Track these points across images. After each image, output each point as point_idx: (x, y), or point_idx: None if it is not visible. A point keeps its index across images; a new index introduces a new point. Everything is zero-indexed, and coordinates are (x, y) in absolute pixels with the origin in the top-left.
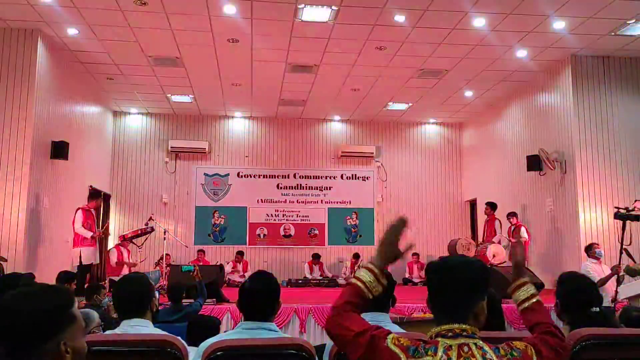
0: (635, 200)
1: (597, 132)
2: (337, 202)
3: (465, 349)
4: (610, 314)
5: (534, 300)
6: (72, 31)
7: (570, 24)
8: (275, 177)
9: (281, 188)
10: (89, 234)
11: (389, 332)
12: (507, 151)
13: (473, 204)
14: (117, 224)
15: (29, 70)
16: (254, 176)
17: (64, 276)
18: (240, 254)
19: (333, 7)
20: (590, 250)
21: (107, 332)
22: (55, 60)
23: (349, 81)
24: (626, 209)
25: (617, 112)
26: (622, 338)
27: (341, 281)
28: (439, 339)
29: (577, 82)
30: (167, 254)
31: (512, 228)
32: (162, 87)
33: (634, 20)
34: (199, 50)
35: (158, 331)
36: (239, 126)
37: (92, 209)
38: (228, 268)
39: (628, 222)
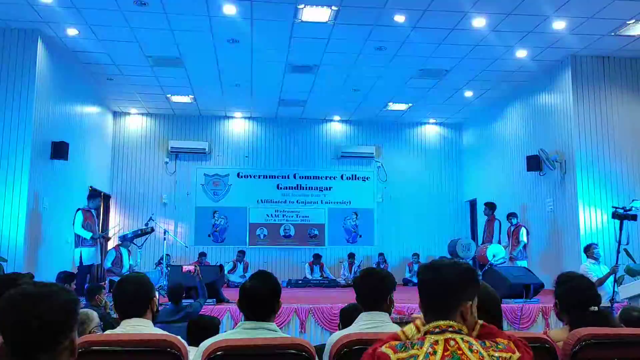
0: (633, 200)
1: (597, 133)
2: (337, 203)
3: (452, 342)
4: (609, 314)
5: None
6: (72, 31)
7: (570, 24)
8: (275, 178)
9: (281, 188)
10: (88, 235)
11: (388, 340)
12: (507, 151)
13: (473, 204)
14: (117, 224)
15: (28, 71)
16: (254, 176)
17: (63, 276)
18: (241, 253)
19: (333, 8)
20: (589, 250)
21: (107, 332)
22: (55, 61)
23: (349, 81)
24: (623, 208)
25: (617, 113)
26: (622, 338)
27: (341, 282)
28: (427, 335)
29: (577, 83)
30: (167, 254)
31: (512, 228)
32: (162, 87)
33: (633, 21)
34: (199, 51)
35: (158, 331)
36: (239, 126)
37: (92, 210)
38: (227, 268)
39: (626, 221)
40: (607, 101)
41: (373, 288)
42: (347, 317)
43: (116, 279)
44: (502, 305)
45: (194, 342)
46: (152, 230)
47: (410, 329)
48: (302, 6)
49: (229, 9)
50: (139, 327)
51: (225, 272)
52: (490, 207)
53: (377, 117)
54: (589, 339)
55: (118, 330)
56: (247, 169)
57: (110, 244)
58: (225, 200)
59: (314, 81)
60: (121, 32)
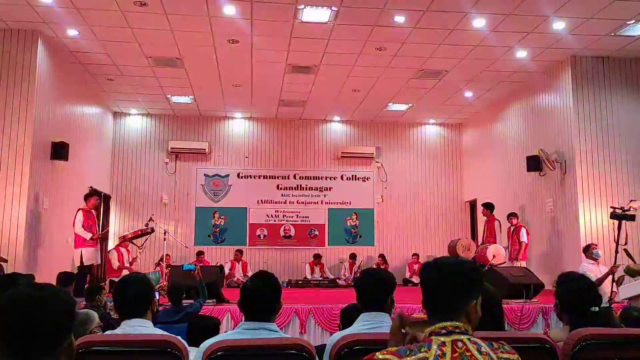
0: (631, 200)
1: (597, 133)
2: (337, 203)
3: (460, 344)
4: (610, 314)
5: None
6: (72, 32)
7: (570, 24)
8: (275, 178)
9: (281, 189)
10: (88, 236)
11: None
12: (507, 152)
13: (473, 204)
14: (117, 225)
15: (29, 71)
16: (254, 177)
17: (63, 277)
18: (239, 252)
19: (333, 8)
20: (588, 250)
21: (108, 332)
22: (55, 61)
23: (349, 82)
24: (622, 208)
25: (617, 113)
26: (622, 338)
27: (341, 282)
28: (432, 337)
29: (577, 83)
30: (167, 255)
31: (512, 229)
32: (162, 87)
33: (633, 21)
34: (199, 51)
35: (158, 331)
36: (239, 127)
37: (92, 210)
38: (226, 268)
39: (624, 222)
40: (607, 101)
41: (374, 288)
42: (347, 317)
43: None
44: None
45: (194, 342)
46: (152, 230)
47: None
48: (302, 6)
49: (229, 9)
50: (139, 328)
51: (227, 272)
52: (489, 207)
53: (377, 118)
54: (589, 339)
55: (118, 330)
56: (247, 169)
57: (111, 244)
58: (225, 200)
59: (314, 81)
60: (121, 32)
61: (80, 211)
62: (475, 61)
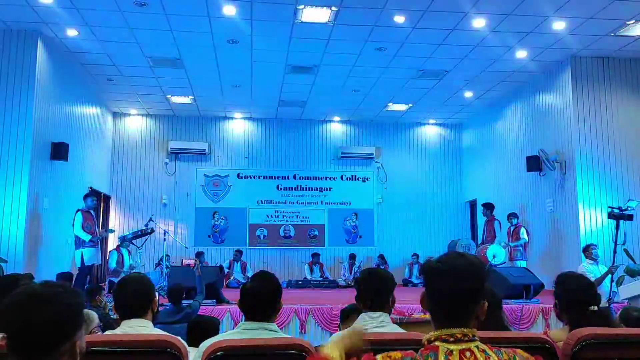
0: (629, 200)
1: (597, 133)
2: (337, 203)
3: (467, 353)
4: (609, 314)
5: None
6: (72, 32)
7: (570, 24)
8: (275, 178)
9: (281, 189)
10: (87, 237)
11: (377, 353)
12: (506, 152)
13: (473, 204)
14: (116, 225)
15: (28, 72)
16: (254, 177)
17: (62, 277)
18: (238, 252)
19: (333, 8)
20: (588, 251)
21: (107, 332)
22: (55, 62)
23: (349, 82)
24: (619, 208)
25: (617, 113)
26: (622, 338)
27: (341, 282)
28: (438, 343)
29: (577, 83)
30: (167, 255)
31: (512, 229)
32: (161, 88)
33: (633, 21)
34: (198, 51)
35: (158, 331)
36: (238, 127)
37: (91, 210)
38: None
39: (623, 221)
40: (607, 101)
41: (374, 288)
42: (347, 317)
43: (116, 280)
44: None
45: (194, 342)
46: (152, 230)
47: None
48: (301, 7)
49: (229, 10)
50: (138, 328)
51: (226, 271)
52: (488, 207)
53: (377, 118)
54: (589, 339)
55: (118, 330)
56: (247, 169)
57: (111, 245)
58: (225, 200)
59: (313, 82)
60: (121, 32)
61: (80, 212)
62: (475, 61)
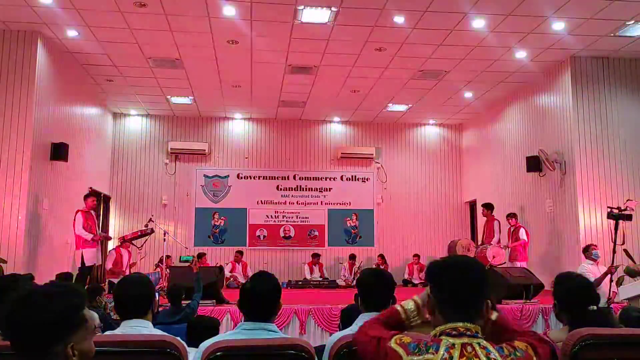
0: (627, 200)
1: (597, 133)
2: (336, 204)
3: (469, 348)
4: (609, 314)
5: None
6: (71, 33)
7: (569, 25)
8: (275, 179)
9: (281, 189)
10: (89, 237)
11: (396, 334)
12: (506, 152)
13: (473, 204)
14: (116, 226)
15: (28, 72)
16: (254, 177)
17: (61, 278)
18: (239, 253)
19: (332, 9)
20: (588, 251)
21: (107, 332)
22: (55, 62)
23: (349, 82)
24: (618, 208)
25: (617, 113)
26: (622, 338)
27: (341, 282)
28: (442, 337)
29: (577, 83)
30: (167, 256)
31: (512, 229)
32: (161, 88)
33: (633, 21)
34: (198, 52)
35: (158, 332)
36: (238, 127)
37: (91, 211)
38: (227, 269)
39: (622, 222)
40: (606, 102)
41: (375, 288)
42: (347, 317)
43: (116, 280)
44: (502, 306)
45: (194, 343)
46: (152, 231)
47: (408, 305)
48: (301, 7)
49: (229, 10)
50: (139, 328)
51: (227, 274)
52: (488, 207)
53: (376, 118)
54: (588, 339)
55: (118, 330)
56: (247, 170)
57: (111, 245)
58: (225, 201)
59: (313, 82)
60: (121, 33)
61: (80, 212)
62: (475, 61)
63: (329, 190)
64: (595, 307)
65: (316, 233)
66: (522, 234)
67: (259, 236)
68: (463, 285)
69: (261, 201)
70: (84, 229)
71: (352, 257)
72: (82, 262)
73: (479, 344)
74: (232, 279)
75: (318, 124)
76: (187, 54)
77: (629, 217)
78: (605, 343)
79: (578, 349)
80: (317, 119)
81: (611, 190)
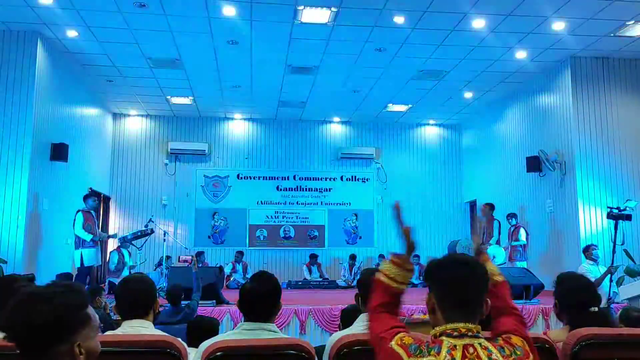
0: (627, 200)
1: (597, 133)
2: (336, 204)
3: (471, 349)
4: (609, 314)
5: (500, 279)
6: (71, 33)
7: (569, 25)
8: (275, 179)
9: (281, 190)
10: (89, 237)
11: (398, 333)
12: (506, 152)
13: (473, 205)
14: (116, 226)
15: (28, 72)
16: (254, 178)
17: (61, 278)
18: (240, 253)
19: (332, 9)
20: (588, 251)
21: (108, 332)
22: (55, 62)
23: (349, 83)
24: (618, 208)
25: (617, 113)
26: (622, 338)
27: (341, 283)
28: (443, 338)
29: (577, 83)
30: (167, 256)
31: (512, 229)
32: (161, 88)
33: (633, 21)
34: (198, 52)
35: (158, 332)
36: (238, 128)
37: (91, 211)
38: (227, 269)
39: (622, 222)
40: (606, 102)
41: None
42: (348, 318)
43: (116, 280)
44: None
45: (194, 343)
46: (152, 231)
47: (386, 266)
48: (301, 7)
49: (229, 10)
50: (139, 328)
51: (227, 273)
52: (490, 207)
53: (376, 118)
54: (588, 339)
55: (118, 331)
56: (247, 170)
57: (111, 246)
58: (225, 201)
59: (313, 82)
60: (121, 33)
61: (80, 212)
62: (475, 62)
63: (329, 191)
64: (596, 308)
65: (316, 233)
66: (522, 234)
67: (258, 236)
68: (466, 284)
69: (261, 201)
70: (84, 229)
71: (353, 258)
72: (82, 263)
73: (480, 344)
74: (232, 280)
75: (318, 124)
76: (187, 54)
77: (628, 217)
78: (605, 343)
79: (578, 348)
80: (317, 119)
81: (611, 190)
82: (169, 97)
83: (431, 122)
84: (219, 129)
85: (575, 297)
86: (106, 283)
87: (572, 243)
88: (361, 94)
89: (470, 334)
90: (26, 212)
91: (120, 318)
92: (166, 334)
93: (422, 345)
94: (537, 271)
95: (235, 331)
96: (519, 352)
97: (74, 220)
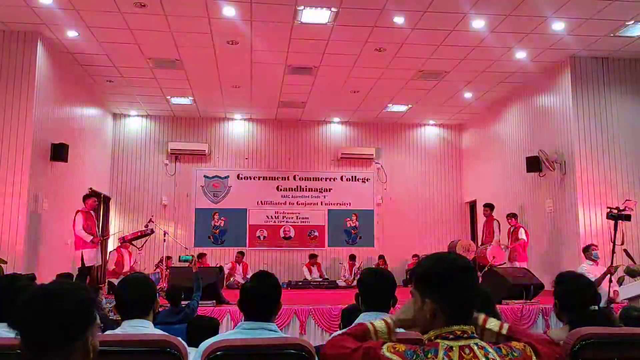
0: (626, 200)
1: (597, 133)
2: (336, 204)
3: (467, 350)
4: (609, 313)
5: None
6: (71, 33)
7: (569, 25)
8: (275, 179)
9: (281, 190)
10: (88, 238)
11: (384, 342)
12: (506, 152)
13: (473, 205)
14: (116, 226)
15: (28, 73)
16: (254, 178)
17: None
18: (240, 254)
19: (332, 9)
20: (588, 251)
21: (108, 332)
22: (55, 63)
23: (349, 83)
24: (617, 208)
25: (616, 113)
26: (622, 337)
27: (341, 283)
28: (439, 340)
29: (577, 83)
30: (168, 257)
31: (512, 229)
32: (161, 89)
33: (632, 22)
34: (198, 52)
35: (158, 332)
36: (238, 128)
37: (91, 211)
38: (227, 269)
39: (621, 222)
40: (606, 102)
41: (376, 288)
42: (348, 317)
43: (116, 280)
44: (502, 306)
45: (194, 343)
46: (152, 231)
47: (379, 324)
48: (301, 7)
49: (229, 11)
50: (139, 328)
51: (227, 274)
52: (490, 207)
53: (376, 119)
54: (588, 339)
55: (118, 330)
56: (247, 170)
57: (111, 246)
58: (225, 201)
59: (313, 83)
60: (121, 33)
61: (80, 213)
62: (475, 62)
63: (329, 191)
64: (596, 307)
65: (316, 233)
66: (522, 234)
67: (259, 237)
68: (469, 289)
69: (261, 202)
70: (84, 229)
71: (352, 258)
72: (82, 263)
73: (476, 344)
74: (231, 280)
75: (318, 125)
76: (187, 54)
77: (627, 218)
78: (605, 342)
79: (578, 348)
80: (317, 119)
81: (611, 190)
82: (169, 97)
83: (431, 122)
84: (219, 129)
85: (576, 296)
86: (106, 283)
87: (572, 243)
88: (361, 94)
89: (465, 335)
90: (26, 211)
91: (120, 318)
92: (166, 334)
93: (418, 350)
94: (537, 271)
95: (235, 330)
96: (516, 354)
97: (74, 220)
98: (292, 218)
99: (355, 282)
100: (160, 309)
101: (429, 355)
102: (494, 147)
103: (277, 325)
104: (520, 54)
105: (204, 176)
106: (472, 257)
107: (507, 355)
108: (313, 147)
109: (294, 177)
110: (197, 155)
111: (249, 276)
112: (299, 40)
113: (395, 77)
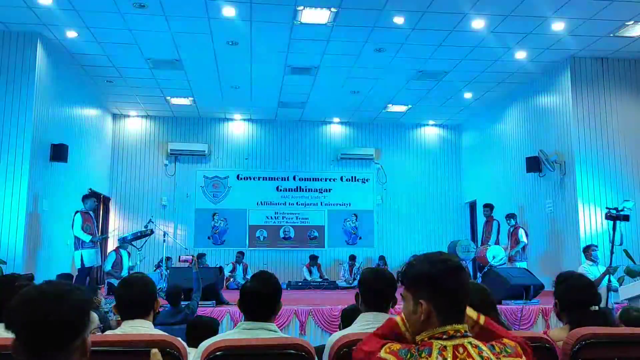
0: (625, 200)
1: (597, 134)
2: (336, 204)
3: (461, 349)
4: (609, 313)
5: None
6: (71, 34)
7: (569, 25)
8: (274, 179)
9: (281, 190)
10: (88, 238)
11: (385, 344)
12: (506, 153)
13: (473, 205)
14: (116, 226)
15: (28, 73)
16: (254, 178)
17: (61, 279)
18: (241, 254)
19: (332, 9)
20: (587, 251)
21: (107, 332)
22: (55, 63)
23: (348, 83)
24: (616, 209)
25: (617, 114)
26: (622, 337)
27: (341, 283)
28: (433, 340)
29: (577, 84)
30: (167, 257)
31: (511, 229)
32: (161, 89)
33: (632, 22)
34: (198, 53)
35: (158, 332)
36: (238, 128)
37: (90, 212)
38: (227, 270)
39: (620, 222)
40: (606, 102)
41: (376, 288)
42: (348, 318)
43: (115, 281)
44: (502, 306)
45: (193, 343)
46: (152, 232)
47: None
48: (301, 8)
49: (228, 11)
50: (139, 328)
51: (227, 274)
52: (490, 207)
53: (376, 119)
54: (588, 339)
55: (118, 331)
56: (247, 170)
57: (110, 246)
58: (224, 202)
59: (313, 83)
60: (120, 34)
61: (79, 213)
62: (475, 62)
63: (329, 191)
64: (597, 307)
65: (316, 234)
66: (522, 234)
67: (258, 237)
68: (466, 290)
69: (261, 202)
70: (83, 230)
71: (353, 258)
72: (82, 263)
73: (470, 342)
74: (232, 280)
75: (318, 125)
76: (187, 54)
77: (626, 218)
78: (605, 342)
79: (578, 348)
80: (317, 119)
81: (611, 191)
82: (168, 97)
83: (431, 122)
84: (218, 130)
85: (576, 296)
86: (105, 284)
87: (572, 243)
88: (361, 94)
89: (458, 334)
90: (26, 212)
91: (120, 318)
92: (166, 334)
93: (412, 348)
94: (537, 271)
95: (235, 331)
96: (509, 351)
97: (73, 221)
98: (292, 218)
99: (355, 283)
100: (160, 309)
101: (423, 355)
102: (493, 147)
103: (277, 325)
104: (520, 54)
105: (204, 176)
106: (471, 258)
107: (501, 352)
108: (313, 147)
109: (294, 178)
110: (196, 156)
111: (248, 277)
112: (299, 40)
113: (395, 77)
